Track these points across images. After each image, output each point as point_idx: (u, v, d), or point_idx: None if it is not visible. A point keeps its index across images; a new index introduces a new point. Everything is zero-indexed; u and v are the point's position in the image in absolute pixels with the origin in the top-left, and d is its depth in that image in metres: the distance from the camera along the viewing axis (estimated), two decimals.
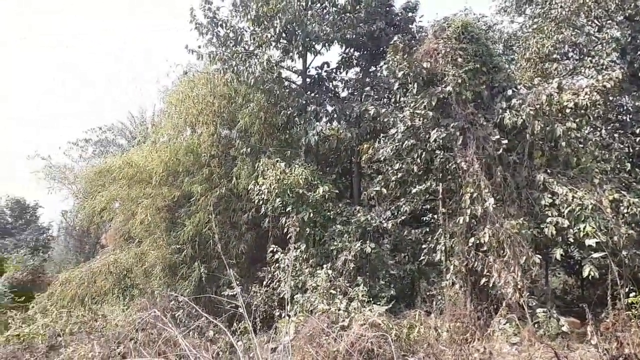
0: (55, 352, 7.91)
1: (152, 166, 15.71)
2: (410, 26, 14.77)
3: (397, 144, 11.57)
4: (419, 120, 11.13)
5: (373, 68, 14.94)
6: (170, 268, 14.93)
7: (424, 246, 11.90)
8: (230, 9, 14.22)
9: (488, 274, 10.16)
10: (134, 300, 13.12)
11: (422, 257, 11.87)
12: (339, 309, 10.25)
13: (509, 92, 10.94)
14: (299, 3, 13.42)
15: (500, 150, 10.40)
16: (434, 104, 10.85)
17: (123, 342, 7.44)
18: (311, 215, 12.34)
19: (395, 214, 12.44)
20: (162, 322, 7.10)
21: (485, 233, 10.08)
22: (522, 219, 9.99)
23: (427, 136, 11.11)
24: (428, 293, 11.79)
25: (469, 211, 10.32)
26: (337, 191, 13.03)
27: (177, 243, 14.78)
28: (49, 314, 10.30)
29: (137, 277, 15.84)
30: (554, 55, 15.22)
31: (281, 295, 11.85)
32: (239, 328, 10.10)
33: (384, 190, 12.20)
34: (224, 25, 14.27)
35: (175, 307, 10.84)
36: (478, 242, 10.34)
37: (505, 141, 10.38)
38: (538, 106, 10.39)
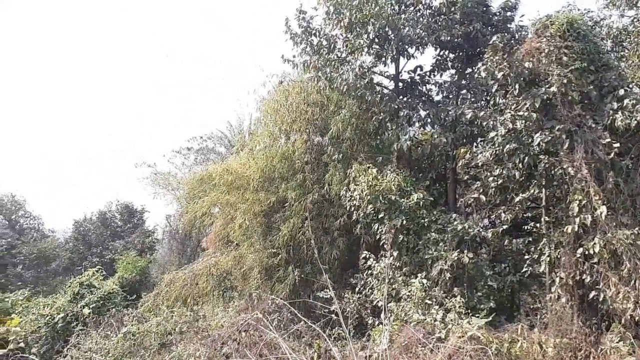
0: (166, 350, 8.40)
1: (249, 173, 16.31)
2: (509, 26, 14.10)
3: (496, 148, 11.05)
4: (521, 123, 10.57)
5: (469, 70, 14.43)
6: (267, 271, 15.36)
7: (526, 257, 11.26)
8: (324, 18, 14.40)
9: (598, 287, 9.43)
10: (233, 302, 13.65)
11: (524, 269, 11.23)
12: (435, 320, 10.01)
13: (621, 91, 10.07)
14: (392, 8, 13.32)
15: (612, 155, 9.61)
16: (537, 105, 10.28)
17: (227, 343, 7.74)
18: (404, 222, 12.12)
19: (495, 222, 11.89)
20: (263, 324, 7.28)
21: (595, 243, 9.38)
22: (637, 228, 9.17)
23: (529, 140, 10.53)
24: (532, 306, 11.12)
25: (577, 220, 9.63)
26: (431, 198, 12.72)
27: (273, 247, 15.17)
28: (160, 313, 10.98)
29: (236, 280, 16.47)
30: None
31: (374, 303, 11.77)
32: (333, 333, 10.12)
33: (483, 198, 11.71)
34: (317, 34, 14.50)
35: (272, 310, 11.11)
36: (587, 253, 9.63)
37: (617, 145, 9.57)
38: None
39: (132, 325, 9.91)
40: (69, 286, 15.93)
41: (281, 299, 12.51)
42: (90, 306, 14.01)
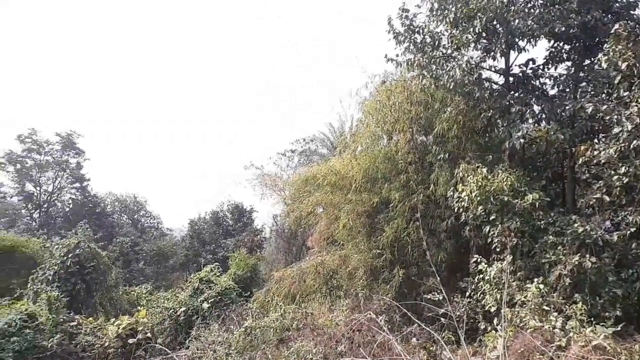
0: (284, 345, 8.75)
1: (352, 173, 16.44)
2: (632, 12, 12.93)
3: (621, 144, 10.19)
4: None
5: (587, 61, 13.44)
6: (372, 272, 15.40)
7: None
8: (427, 15, 14.16)
9: None
10: (340, 301, 13.87)
11: None
12: (554, 327, 9.46)
13: None
14: (500, 0, 12.76)
15: None
16: None
17: (340, 341, 7.89)
18: (518, 224, 11.59)
19: (620, 224, 10.96)
20: (375, 324, 7.33)
21: None
22: None
23: None
24: None
25: None
26: (548, 199, 12.01)
27: (377, 248, 15.17)
28: (277, 310, 11.45)
29: (342, 279, 16.70)
30: None
31: (486, 308, 11.38)
32: (443, 337, 9.93)
33: (606, 198, 10.85)
34: (420, 31, 14.27)
35: (381, 311, 11.14)
36: None
37: None
38: None
39: (252, 320, 10.43)
40: (190, 282, 17.08)
41: (387, 300, 12.51)
42: (209, 301, 14.89)
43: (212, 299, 14.94)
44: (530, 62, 14.13)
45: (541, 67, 14.11)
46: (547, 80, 14.08)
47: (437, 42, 14.12)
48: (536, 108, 13.43)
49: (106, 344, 13.83)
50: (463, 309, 11.51)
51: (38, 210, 44.33)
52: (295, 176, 24.70)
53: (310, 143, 31.30)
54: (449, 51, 14.05)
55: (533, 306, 10.06)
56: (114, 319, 15.37)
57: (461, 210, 12.59)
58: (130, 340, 13.69)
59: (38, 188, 44.40)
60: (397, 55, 14.51)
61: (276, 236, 32.37)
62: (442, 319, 10.80)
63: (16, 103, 75.29)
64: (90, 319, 15.56)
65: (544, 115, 13.33)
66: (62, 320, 14.60)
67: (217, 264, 18.18)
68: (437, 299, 10.94)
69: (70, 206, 44.91)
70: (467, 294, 12.11)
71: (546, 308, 10.03)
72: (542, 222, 11.59)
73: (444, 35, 14.17)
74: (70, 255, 19.71)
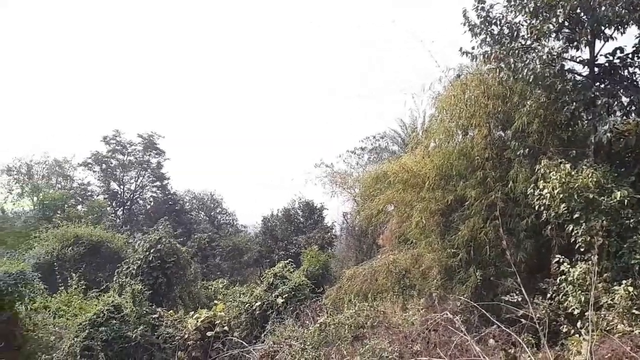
0: (359, 342, 8.78)
1: (424, 170, 16.10)
2: None
3: None
4: None
5: None
6: (447, 271, 15.04)
7: None
8: (505, 5, 13.63)
9: None
10: (413, 301, 13.67)
11: None
12: None
13: None
14: None
15: None
16: None
17: (416, 341, 7.80)
18: (604, 223, 10.93)
19: None
20: (452, 325, 7.18)
21: None
22: None
23: None
24: None
25: None
26: (638, 196, 11.24)
27: (452, 247, 14.78)
28: (351, 307, 11.49)
29: (414, 278, 16.45)
30: None
31: (568, 310, 10.86)
32: (523, 339, 9.55)
33: None
34: (497, 22, 13.78)
35: (455, 311, 10.89)
36: None
37: None
38: None
39: (327, 316, 10.55)
40: (264, 277, 17.50)
41: (463, 300, 12.19)
42: (283, 296, 15.18)
43: (286, 294, 15.17)
44: (618, 51, 13.21)
45: (630, 55, 13.18)
46: (637, 70, 13.14)
47: (515, 33, 13.59)
48: (624, 100, 12.57)
49: (186, 336, 14.48)
50: (544, 311, 11.04)
51: (122, 208, 47.19)
52: (365, 174, 24.64)
53: (380, 140, 31.13)
54: (528, 42, 13.46)
55: (621, 310, 9.53)
56: (192, 312, 16.03)
57: (542, 208, 12.05)
58: (209, 333, 14.24)
59: (122, 187, 47.39)
60: (473, 48, 14.10)
61: (346, 234, 32.45)
62: (522, 320, 10.41)
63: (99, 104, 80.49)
64: (171, 311, 16.34)
65: (633, 107, 12.44)
66: (145, 312, 15.43)
67: (290, 260, 18.45)
68: (515, 300, 10.56)
69: (152, 204, 47.42)
70: (548, 295, 11.62)
71: (636, 312, 9.47)
72: (632, 220, 10.90)
73: (522, 25, 13.62)
74: (152, 251, 20.79)
